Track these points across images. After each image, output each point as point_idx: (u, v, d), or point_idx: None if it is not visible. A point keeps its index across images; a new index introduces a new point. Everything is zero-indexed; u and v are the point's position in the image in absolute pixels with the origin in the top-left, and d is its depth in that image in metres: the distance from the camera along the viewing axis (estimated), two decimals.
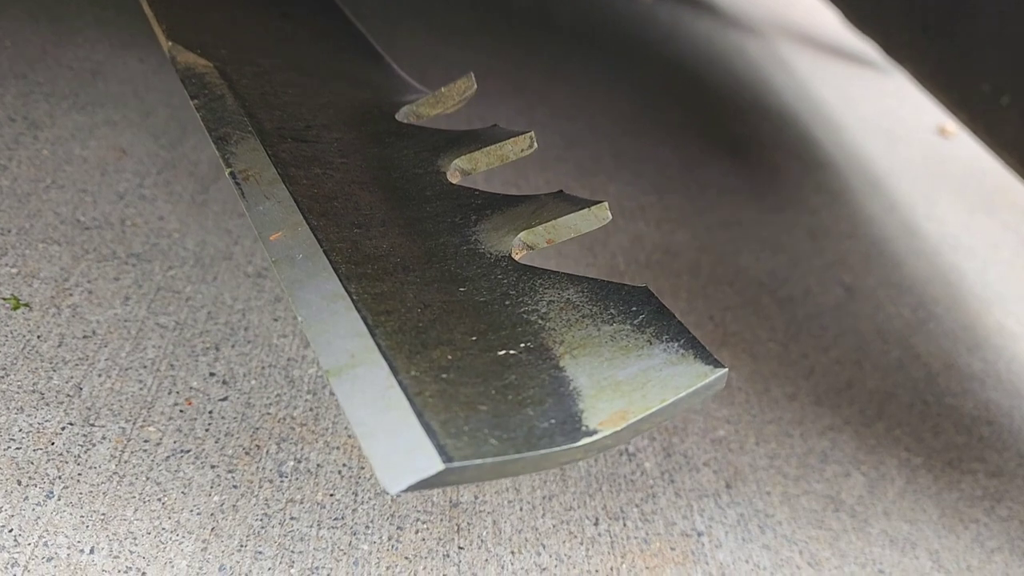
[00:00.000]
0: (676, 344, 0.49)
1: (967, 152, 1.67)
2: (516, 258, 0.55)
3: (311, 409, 0.69)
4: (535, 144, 0.60)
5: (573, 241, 0.98)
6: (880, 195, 1.41)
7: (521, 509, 0.67)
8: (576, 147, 1.21)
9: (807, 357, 0.95)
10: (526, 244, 0.55)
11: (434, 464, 0.40)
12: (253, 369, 0.71)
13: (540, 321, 0.50)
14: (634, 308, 0.51)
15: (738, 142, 1.40)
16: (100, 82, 0.99)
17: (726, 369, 0.47)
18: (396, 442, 0.42)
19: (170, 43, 0.69)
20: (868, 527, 0.76)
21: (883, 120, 1.74)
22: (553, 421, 0.45)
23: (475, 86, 0.66)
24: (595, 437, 0.45)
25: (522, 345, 0.49)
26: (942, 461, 0.87)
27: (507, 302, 0.52)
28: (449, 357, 0.47)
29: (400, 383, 0.45)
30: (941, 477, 0.85)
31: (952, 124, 1.75)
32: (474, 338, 0.49)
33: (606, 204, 0.54)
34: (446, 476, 0.41)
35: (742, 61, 1.77)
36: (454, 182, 0.61)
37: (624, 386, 0.47)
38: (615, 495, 0.70)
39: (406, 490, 0.40)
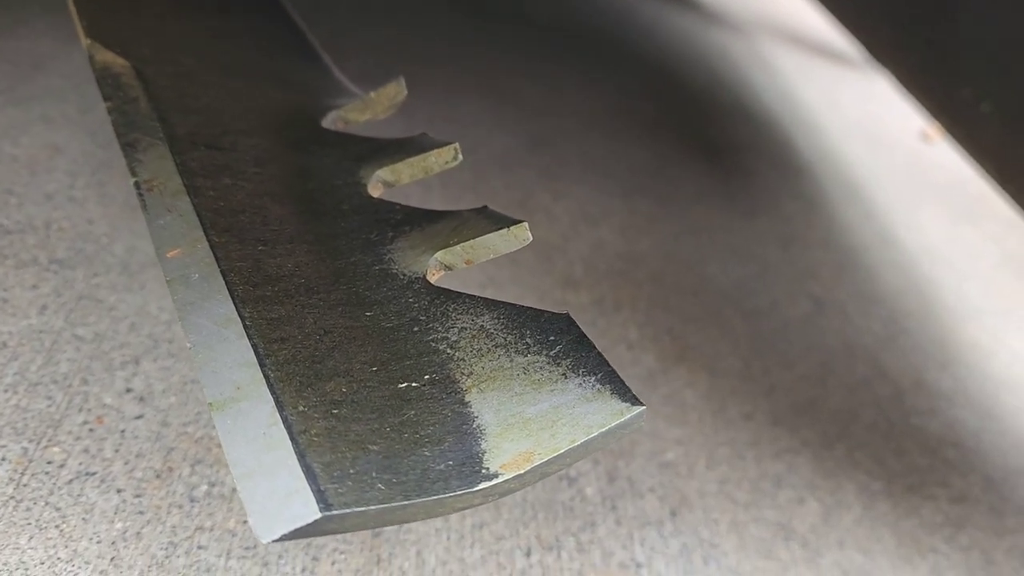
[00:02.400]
0: (592, 378, 0.45)
1: (950, 159, 1.63)
2: (432, 279, 0.51)
3: None
4: (460, 156, 0.56)
5: (529, 249, 0.95)
6: (858, 202, 1.37)
7: (448, 539, 0.63)
8: (543, 148, 1.17)
9: (769, 374, 0.91)
10: (443, 264, 0.52)
11: (311, 512, 0.37)
12: (173, 385, 0.67)
13: (449, 350, 0.47)
14: (552, 337, 0.47)
15: (714, 145, 1.37)
16: (41, 76, 0.95)
17: (644, 407, 0.43)
18: (273, 485, 0.39)
19: (88, 40, 0.65)
20: (820, 558, 0.73)
21: (866, 124, 1.70)
22: (451, 463, 0.42)
23: (405, 91, 0.63)
24: (495, 481, 0.41)
25: (426, 377, 0.45)
26: (903, 486, 0.83)
27: (416, 328, 0.48)
28: (344, 390, 0.44)
29: (285, 419, 0.41)
30: (901, 503, 0.81)
31: (936, 130, 1.71)
32: (375, 368, 0.45)
33: (526, 224, 0.50)
34: (324, 524, 0.38)
35: (724, 61, 1.74)
36: (375, 195, 0.58)
37: (532, 424, 0.43)
38: (551, 523, 0.67)
39: (279, 539, 0.37)
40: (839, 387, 0.93)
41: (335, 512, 0.37)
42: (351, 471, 0.40)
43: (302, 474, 0.39)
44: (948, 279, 1.25)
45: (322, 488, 0.38)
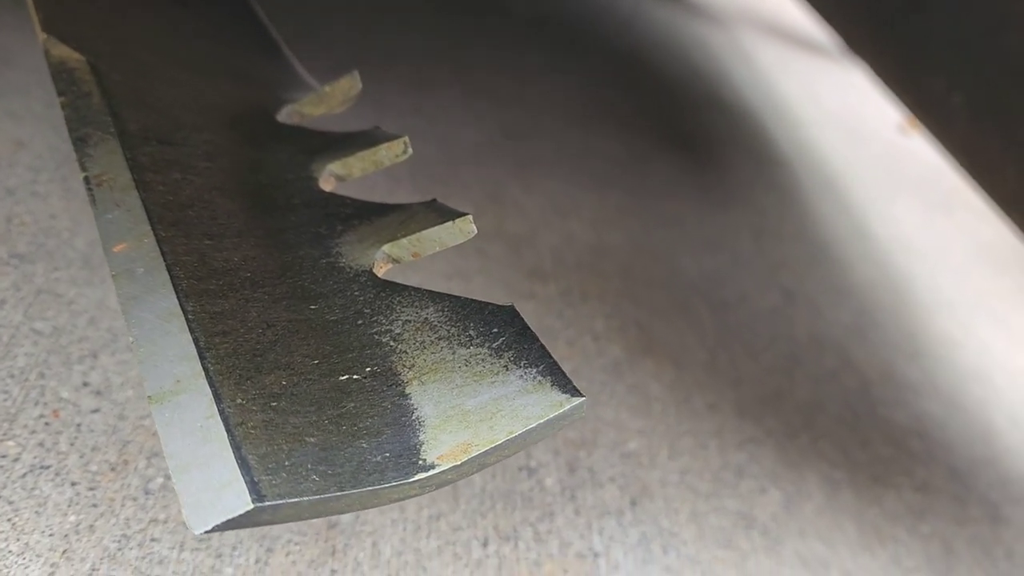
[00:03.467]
0: (534, 370, 0.46)
1: (927, 150, 1.64)
2: (379, 273, 0.51)
3: None
4: (409, 149, 0.56)
5: (499, 241, 0.95)
6: (834, 194, 1.37)
7: (404, 529, 0.64)
8: (515, 140, 1.17)
9: (735, 365, 0.91)
10: (390, 257, 0.52)
11: (243, 503, 0.37)
12: (131, 379, 0.67)
13: (392, 343, 0.47)
14: (495, 330, 0.48)
15: (690, 136, 1.37)
16: (6, 70, 0.95)
17: (584, 398, 0.44)
18: (208, 477, 0.39)
19: (44, 35, 0.65)
20: (780, 547, 0.73)
21: (844, 116, 1.70)
22: (387, 454, 0.42)
23: (360, 85, 0.63)
24: (431, 472, 0.42)
25: (368, 369, 0.46)
26: (866, 476, 0.84)
27: (359, 321, 0.48)
28: (284, 383, 0.44)
29: (222, 412, 0.41)
30: (863, 493, 0.82)
31: (912, 122, 1.72)
32: (316, 361, 0.46)
33: (470, 217, 0.51)
34: (257, 515, 0.38)
35: (702, 52, 1.74)
36: (327, 189, 0.58)
37: (472, 416, 0.44)
38: (509, 513, 0.67)
39: (212, 530, 0.37)
40: (806, 379, 0.93)
41: (267, 503, 0.37)
42: (286, 463, 0.40)
43: (236, 466, 0.39)
44: (921, 271, 1.25)
45: (256, 480, 0.38)
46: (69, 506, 0.58)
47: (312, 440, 0.41)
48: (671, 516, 0.72)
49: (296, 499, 0.38)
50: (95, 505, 0.58)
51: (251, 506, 0.37)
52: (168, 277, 0.48)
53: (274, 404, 0.43)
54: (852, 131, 1.66)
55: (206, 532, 0.37)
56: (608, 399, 0.80)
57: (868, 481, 0.83)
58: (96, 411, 0.64)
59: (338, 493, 0.39)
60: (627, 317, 0.92)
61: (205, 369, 0.43)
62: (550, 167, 1.14)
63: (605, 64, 1.52)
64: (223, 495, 0.38)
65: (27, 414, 0.62)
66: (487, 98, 1.25)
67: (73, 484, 0.59)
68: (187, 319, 0.45)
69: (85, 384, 0.66)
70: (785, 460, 0.82)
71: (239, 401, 0.42)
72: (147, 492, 0.60)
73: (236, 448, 0.40)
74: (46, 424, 0.62)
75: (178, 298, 0.47)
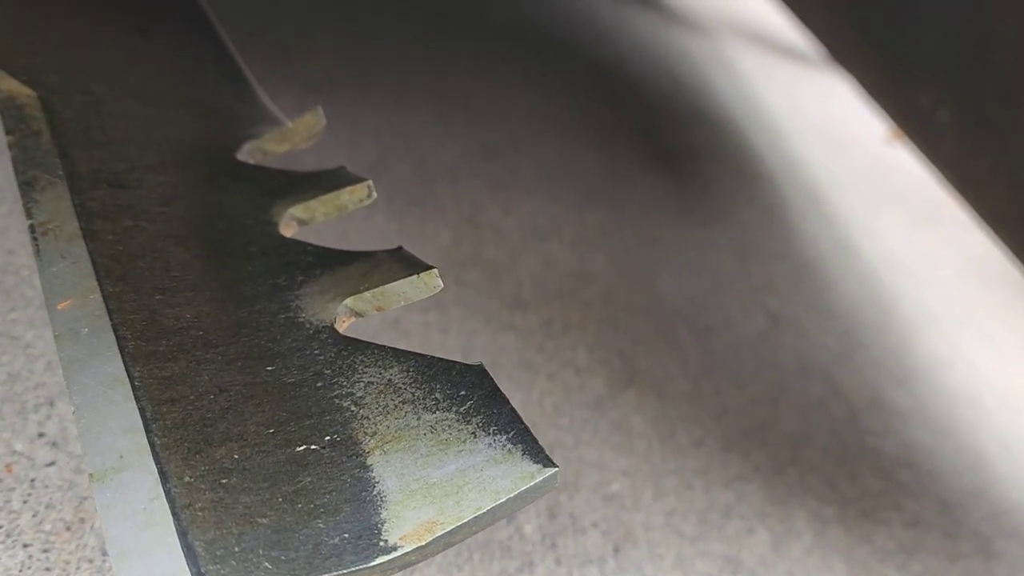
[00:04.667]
0: (504, 437, 0.43)
1: (912, 162, 1.62)
2: (341, 328, 0.49)
3: None
4: (374, 194, 0.54)
5: (477, 269, 0.92)
6: (818, 208, 1.35)
7: None
8: (493, 157, 1.14)
9: (720, 395, 0.89)
10: (353, 311, 0.49)
11: None
12: None
13: (354, 407, 0.44)
14: (463, 392, 0.45)
15: (671, 151, 1.34)
16: None
17: (556, 468, 0.41)
18: (151, 566, 0.36)
19: None
20: None
21: (828, 126, 1.69)
22: (346, 535, 0.39)
23: (324, 121, 0.60)
24: (393, 555, 0.39)
25: (327, 438, 0.43)
26: (856, 511, 0.82)
27: (319, 384, 0.45)
28: (235, 456, 0.41)
29: (168, 492, 0.39)
30: (853, 530, 0.80)
31: (897, 133, 1.70)
32: (271, 430, 0.43)
33: (435, 271, 0.48)
34: None
35: (684, 62, 1.71)
36: (288, 234, 0.55)
37: (437, 490, 0.41)
38: (487, 565, 0.64)
39: None
40: (792, 409, 0.91)
41: None
42: (236, 549, 0.37)
43: (182, 554, 0.36)
44: (907, 287, 1.23)
45: (202, 570, 0.36)
46: (20, 571, 0.55)
47: (264, 521, 0.39)
48: (655, 562, 0.69)
49: None
50: (48, 569, 0.55)
51: None
52: (114, 338, 0.45)
53: (224, 481, 0.40)
54: (835, 142, 1.64)
55: None
56: (591, 437, 0.78)
57: (858, 517, 0.81)
58: (51, 464, 0.61)
59: None
60: (609, 347, 0.89)
61: (151, 443, 0.40)
62: (530, 185, 1.12)
63: (586, 75, 1.50)
64: None
65: None
66: (465, 113, 1.22)
67: (25, 546, 0.56)
68: (133, 386, 0.43)
69: (40, 435, 0.63)
70: (773, 497, 0.79)
71: (187, 479, 0.39)
72: (104, 553, 0.57)
73: (182, 534, 0.37)
74: None
75: (124, 362, 0.44)
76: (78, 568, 0.56)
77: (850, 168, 1.54)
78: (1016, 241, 1.01)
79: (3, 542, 0.56)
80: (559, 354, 0.86)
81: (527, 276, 0.95)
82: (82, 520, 0.59)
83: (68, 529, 0.58)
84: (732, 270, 1.10)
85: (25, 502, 0.58)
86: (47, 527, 0.57)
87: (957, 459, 0.93)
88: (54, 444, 0.62)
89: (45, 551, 0.56)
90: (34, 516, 0.58)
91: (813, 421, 0.90)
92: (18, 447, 0.61)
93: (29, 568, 0.55)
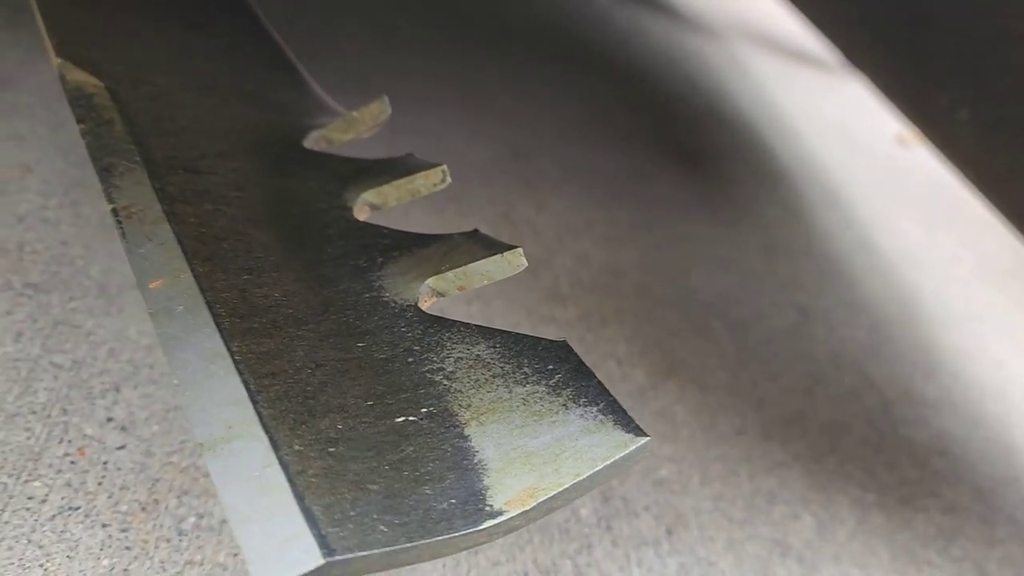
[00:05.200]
0: (594, 409, 0.44)
1: (926, 162, 1.64)
2: (424, 306, 0.50)
3: None
4: (448, 179, 0.55)
5: None
6: (838, 208, 1.37)
7: (444, 565, 0.62)
8: (522, 158, 1.16)
9: (757, 386, 0.90)
10: (435, 291, 0.51)
11: (313, 558, 0.36)
12: (156, 413, 0.65)
13: (446, 381, 0.46)
14: (550, 366, 0.46)
15: (691, 151, 1.36)
16: (9, 93, 0.93)
17: (648, 438, 0.42)
18: (273, 531, 0.37)
19: (59, 60, 0.63)
20: (816, 573, 0.72)
21: (842, 127, 1.71)
22: (453, 501, 0.40)
23: (389, 110, 0.61)
24: (500, 519, 0.40)
25: (423, 410, 0.44)
26: (895, 498, 0.83)
27: (410, 359, 0.47)
28: (339, 427, 0.42)
29: (280, 460, 0.40)
30: (894, 516, 0.81)
31: (912, 133, 1.72)
32: (370, 403, 0.44)
33: (520, 250, 0.49)
34: (328, 571, 0.36)
35: (699, 65, 1.73)
36: (361, 218, 0.56)
37: (535, 458, 0.42)
38: (547, 547, 0.66)
39: None
40: (827, 399, 0.93)
41: (338, 558, 0.36)
42: (351, 513, 0.38)
43: (302, 518, 0.37)
44: (928, 284, 1.25)
45: (323, 533, 0.37)
46: (101, 549, 0.56)
47: (375, 488, 0.40)
48: (707, 545, 0.70)
49: (366, 552, 0.37)
50: (128, 548, 0.56)
51: (322, 561, 0.35)
52: (210, 315, 0.46)
53: (332, 450, 0.41)
54: (851, 143, 1.66)
55: None
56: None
57: (897, 504, 0.82)
58: (122, 448, 0.62)
59: (408, 544, 0.38)
60: (647, 339, 0.91)
61: (258, 413, 0.41)
62: (558, 185, 1.13)
63: (604, 78, 1.51)
64: (290, 550, 0.36)
65: (52, 452, 0.60)
66: (491, 116, 1.23)
67: (104, 526, 0.57)
68: (233, 360, 0.44)
69: (109, 419, 0.64)
70: (814, 484, 0.81)
71: (296, 447, 0.40)
72: (180, 533, 0.58)
73: (299, 499, 0.38)
74: (72, 463, 0.60)
75: (222, 338, 0.45)
76: (156, 547, 0.57)
77: (866, 169, 1.56)
78: None
79: (82, 522, 0.57)
80: (599, 346, 0.88)
81: (563, 271, 0.96)
82: (156, 501, 0.60)
83: (143, 510, 0.59)
84: (760, 266, 1.12)
85: (100, 483, 0.59)
86: (123, 508, 0.58)
87: (988, 448, 0.95)
88: (123, 428, 0.63)
89: (123, 531, 0.57)
90: (110, 497, 0.59)
91: (848, 411, 0.92)
92: (88, 431, 0.62)
93: (109, 547, 0.56)
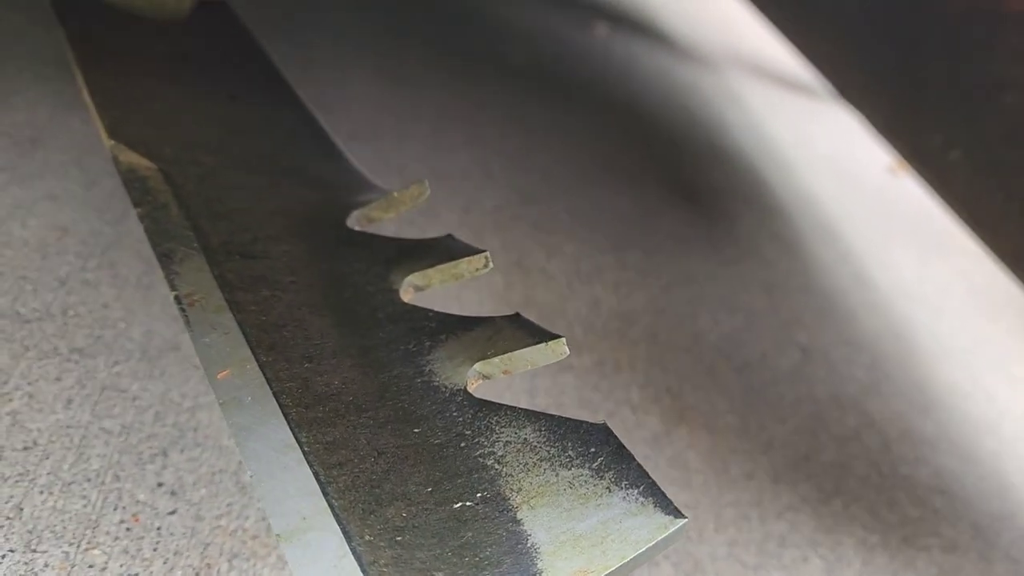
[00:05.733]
0: (636, 491, 0.48)
1: (917, 192, 1.69)
2: (471, 389, 0.54)
3: (262, 519, 0.67)
4: (491, 264, 0.59)
5: (531, 312, 0.97)
6: (833, 242, 1.42)
7: None
8: (532, 203, 1.20)
9: (765, 429, 0.95)
10: (482, 375, 0.54)
11: None
12: (203, 476, 0.69)
13: (497, 466, 0.49)
14: (593, 449, 0.50)
15: (693, 188, 1.40)
16: (40, 151, 0.96)
17: (687, 519, 0.46)
18: None
19: (112, 142, 0.67)
20: None
21: (835, 158, 1.75)
22: None
23: (428, 192, 0.65)
24: None
25: (478, 495, 0.48)
26: (898, 538, 0.87)
27: (463, 444, 0.50)
28: (404, 515, 0.46)
29: (354, 551, 0.43)
30: (897, 556, 0.85)
31: (902, 164, 1.77)
32: (429, 489, 0.48)
33: (563, 340, 0.53)
34: None
35: (696, 98, 1.78)
36: (406, 299, 0.60)
37: (583, 541, 0.46)
38: None
39: None
40: (830, 439, 0.97)
41: None
42: None
43: None
44: (922, 318, 1.29)
45: None
46: None
47: (440, 574, 0.43)
48: None
49: None
50: None
51: None
52: (277, 406, 0.50)
53: (399, 539, 0.45)
54: (844, 174, 1.71)
55: None
56: (652, 473, 0.82)
57: (900, 544, 0.87)
58: (173, 512, 0.65)
59: None
60: (659, 385, 0.95)
61: (330, 505, 0.45)
62: (568, 229, 1.17)
63: (606, 117, 1.56)
64: None
65: (108, 520, 0.63)
66: (499, 159, 1.27)
67: None
68: (303, 451, 0.47)
69: (159, 484, 0.67)
70: (822, 526, 0.85)
71: (367, 538, 0.44)
72: None
73: None
74: (127, 529, 0.63)
75: (291, 429, 0.48)
76: None
77: (859, 200, 1.61)
78: None
79: None
80: (614, 393, 0.92)
81: (576, 318, 1.00)
82: (208, 566, 0.63)
83: (197, 574, 0.62)
84: (762, 306, 1.16)
85: (155, 550, 0.63)
86: (178, 573, 0.62)
87: (984, 485, 0.99)
88: (173, 493, 0.67)
89: None
90: (165, 563, 0.62)
91: (851, 451, 0.96)
92: (141, 497, 0.66)
93: None
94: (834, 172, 1.69)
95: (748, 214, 1.39)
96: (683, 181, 1.42)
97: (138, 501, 0.65)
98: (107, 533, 0.63)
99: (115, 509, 0.64)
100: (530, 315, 0.97)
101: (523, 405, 0.84)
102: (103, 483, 0.66)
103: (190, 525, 0.65)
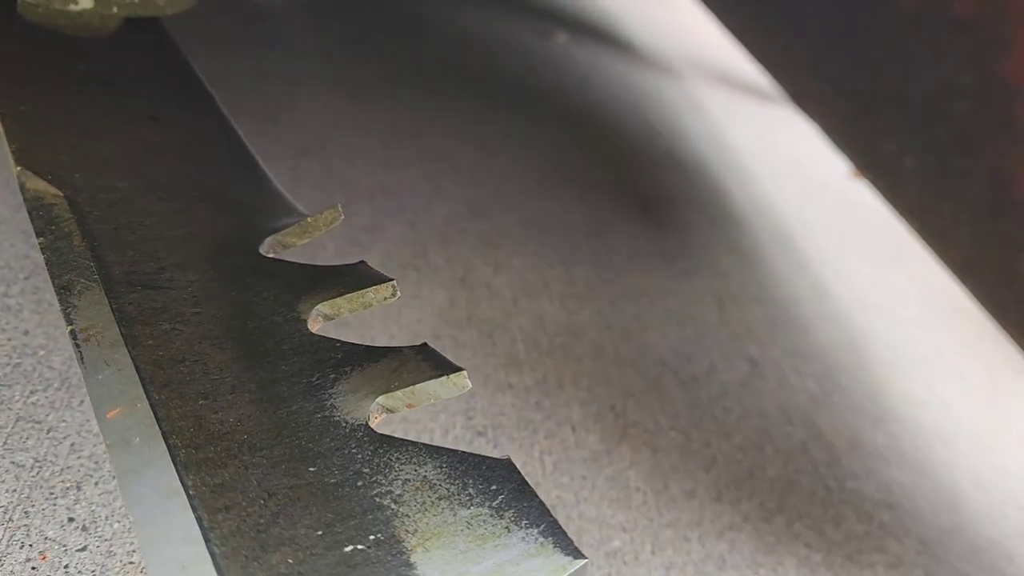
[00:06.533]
0: (535, 531, 0.47)
1: (875, 198, 1.69)
2: (374, 423, 0.52)
3: None
4: (398, 293, 0.57)
5: (472, 329, 0.96)
6: (791, 251, 1.41)
7: None
8: (481, 216, 1.18)
9: (709, 446, 0.93)
10: (385, 408, 0.53)
11: None
12: (117, 510, 0.67)
13: (393, 505, 0.48)
14: (494, 487, 0.49)
15: (649, 199, 1.39)
16: None
17: (586, 560, 0.45)
18: None
19: (19, 168, 0.65)
20: None
21: (795, 165, 1.75)
22: None
23: (342, 216, 0.64)
24: None
25: (371, 538, 0.46)
26: (842, 555, 0.86)
27: (359, 483, 0.49)
28: (290, 560, 0.44)
29: None
30: (840, 574, 0.84)
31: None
32: (320, 532, 0.46)
33: (465, 373, 0.52)
34: None
35: (657, 106, 1.77)
36: (315, 328, 0.58)
37: None
38: None
39: None
40: (776, 455, 0.96)
41: None
42: None
43: None
44: (877, 327, 1.29)
45: None
46: None
47: None
48: None
49: None
50: None
51: None
52: (165, 448, 0.48)
53: None
54: (803, 180, 1.70)
55: None
56: (590, 494, 0.81)
57: (844, 561, 0.85)
58: (83, 549, 0.64)
59: None
60: (602, 402, 0.93)
61: (211, 552, 0.43)
62: (517, 242, 1.16)
63: (565, 126, 1.54)
64: None
65: (13, 558, 0.61)
66: (451, 173, 1.26)
67: None
68: (188, 495, 0.46)
69: (70, 520, 0.65)
70: (763, 546, 0.84)
71: None
72: None
73: None
74: (33, 568, 0.61)
75: (177, 472, 0.47)
76: None
77: (817, 207, 1.60)
78: (979, 287, 1.07)
79: None
80: (555, 411, 0.90)
81: (520, 334, 0.99)
82: None
83: None
84: (713, 319, 1.15)
85: None
86: None
87: (934, 498, 0.98)
88: (84, 528, 0.65)
89: None
90: None
91: (797, 466, 0.95)
92: (50, 533, 0.64)
93: None
94: (794, 179, 1.69)
95: (704, 224, 1.38)
96: (639, 191, 1.41)
97: (47, 538, 0.63)
98: (11, 573, 0.61)
99: (21, 547, 0.62)
100: (472, 332, 0.96)
101: (458, 427, 0.83)
102: (11, 520, 0.64)
103: (100, 562, 0.63)
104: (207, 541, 0.44)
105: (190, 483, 0.46)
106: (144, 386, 0.51)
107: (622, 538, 0.79)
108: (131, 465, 0.47)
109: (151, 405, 0.50)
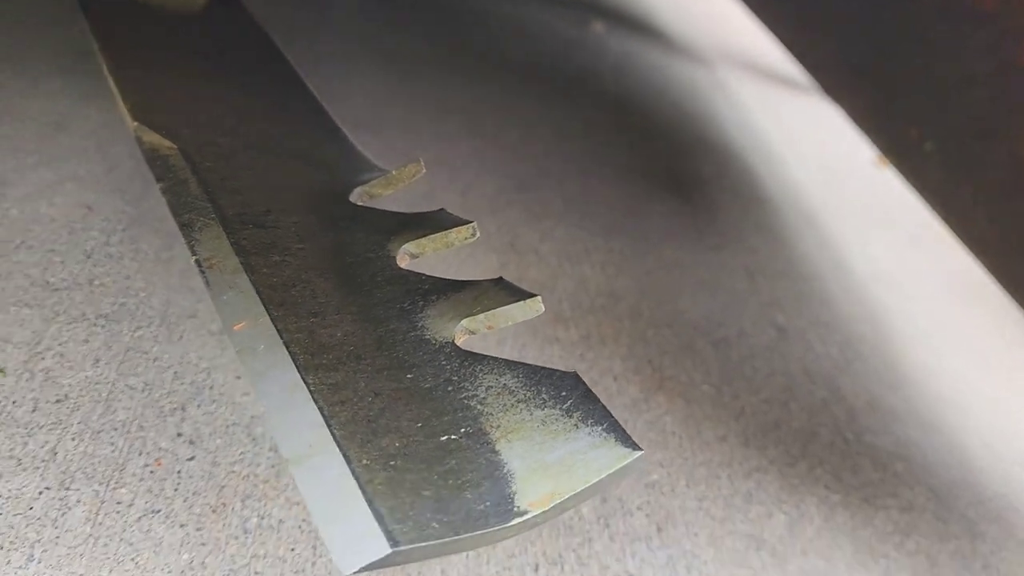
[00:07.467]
0: (599, 428, 0.55)
1: (897, 185, 1.76)
2: (458, 343, 0.61)
3: (272, 466, 0.74)
4: (477, 234, 0.66)
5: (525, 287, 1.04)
6: (815, 231, 1.48)
7: (467, 557, 0.73)
8: (526, 190, 1.27)
9: (738, 399, 1.01)
10: (468, 330, 0.61)
11: (383, 548, 0.46)
12: (218, 428, 0.76)
13: (479, 406, 0.56)
14: (563, 393, 0.57)
15: (682, 180, 1.47)
16: (64, 136, 1.03)
17: (643, 451, 0.53)
18: (349, 527, 0.48)
19: (135, 123, 0.74)
20: (787, 564, 0.83)
21: (822, 151, 1.82)
22: (488, 503, 0.51)
23: (423, 170, 0.72)
24: (525, 517, 0.51)
25: (462, 430, 0.55)
26: (858, 498, 0.94)
27: (450, 388, 0.57)
28: (397, 444, 0.53)
29: (353, 472, 0.50)
30: (857, 514, 0.92)
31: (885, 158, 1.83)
32: (419, 424, 0.55)
33: (539, 298, 0.60)
34: (394, 558, 0.47)
35: (689, 93, 1.84)
36: (402, 266, 0.67)
37: (552, 468, 0.53)
38: (554, 540, 0.76)
39: (359, 571, 0.46)
40: (800, 410, 1.04)
41: (402, 548, 0.46)
42: (410, 513, 0.49)
43: (372, 518, 0.48)
44: (897, 303, 1.36)
45: (390, 528, 0.47)
46: (181, 545, 0.66)
47: (427, 493, 0.50)
48: (692, 539, 0.81)
49: (423, 543, 0.47)
50: (203, 544, 0.67)
51: (389, 551, 0.46)
52: (287, 353, 0.57)
53: (392, 463, 0.52)
54: (829, 166, 1.77)
55: (354, 573, 0.46)
56: (631, 434, 0.90)
57: (860, 503, 0.93)
58: (192, 459, 0.73)
59: (455, 537, 0.48)
60: (640, 357, 1.02)
61: (332, 435, 0.52)
62: (560, 214, 1.24)
63: (601, 111, 1.62)
64: (364, 542, 0.47)
65: (133, 463, 0.71)
66: (498, 150, 1.34)
67: (182, 526, 0.67)
68: (310, 391, 0.54)
69: (179, 434, 0.74)
70: (787, 486, 0.92)
71: (364, 462, 0.51)
72: (245, 531, 0.69)
73: (369, 502, 0.48)
74: (151, 472, 0.70)
75: (299, 372, 0.55)
76: (227, 543, 0.67)
77: (842, 191, 1.67)
78: (996, 264, 1.14)
79: (164, 523, 0.67)
80: (598, 363, 0.98)
81: (565, 295, 1.07)
82: (224, 504, 0.70)
83: (214, 511, 0.69)
84: (742, 288, 1.23)
85: (176, 490, 0.70)
86: (197, 510, 0.69)
87: (945, 454, 1.06)
88: (191, 442, 0.74)
89: (199, 529, 0.68)
90: (184, 501, 0.69)
91: (819, 420, 1.03)
92: (163, 444, 0.73)
93: (188, 544, 0.67)
94: (820, 165, 1.76)
95: (733, 204, 1.46)
96: (672, 173, 1.49)
97: (160, 448, 0.73)
98: (133, 475, 0.70)
99: (140, 454, 0.71)
100: None
101: None
102: (128, 432, 0.73)
103: (207, 470, 0.72)
104: (328, 426, 0.53)
105: (310, 381, 0.55)
106: (264, 305, 0.60)
107: (660, 472, 0.87)
108: (259, 368, 0.56)
109: (271, 320, 0.59)
